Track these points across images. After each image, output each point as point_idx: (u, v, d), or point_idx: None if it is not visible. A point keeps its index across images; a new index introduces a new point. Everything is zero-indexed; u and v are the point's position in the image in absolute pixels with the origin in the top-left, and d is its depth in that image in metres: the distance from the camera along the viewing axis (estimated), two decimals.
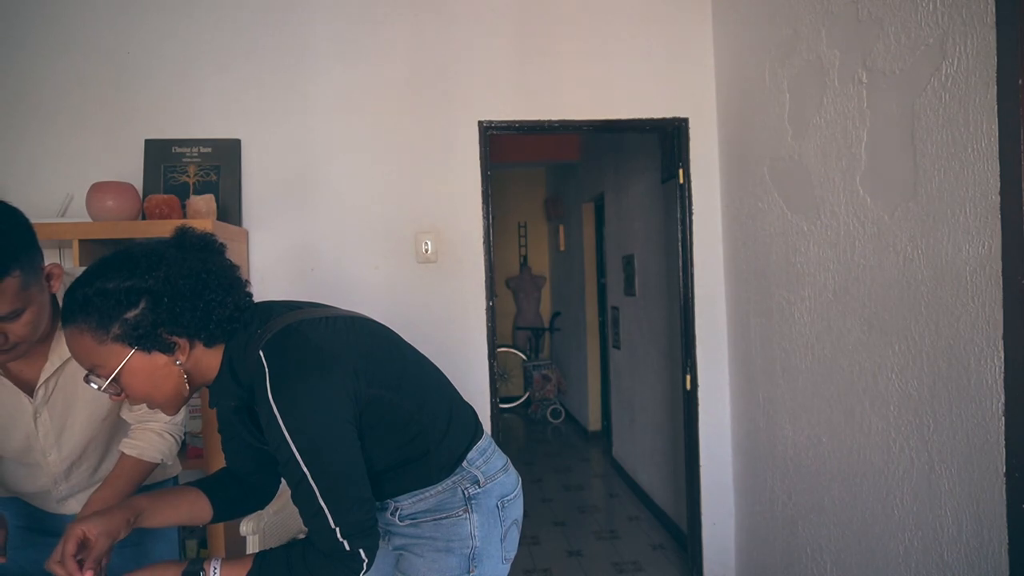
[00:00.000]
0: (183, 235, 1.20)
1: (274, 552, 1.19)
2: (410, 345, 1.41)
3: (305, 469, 1.13)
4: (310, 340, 1.19)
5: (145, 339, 1.12)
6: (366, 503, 1.19)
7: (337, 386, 1.16)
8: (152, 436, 1.56)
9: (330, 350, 1.19)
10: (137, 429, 1.57)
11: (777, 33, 2.59)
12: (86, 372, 1.16)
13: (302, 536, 1.24)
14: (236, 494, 1.39)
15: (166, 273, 1.12)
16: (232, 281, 1.20)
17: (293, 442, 1.12)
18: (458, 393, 1.45)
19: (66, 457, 1.55)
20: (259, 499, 1.43)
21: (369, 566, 1.19)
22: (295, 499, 1.18)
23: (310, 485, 1.14)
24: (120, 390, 1.16)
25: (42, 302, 1.31)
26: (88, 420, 1.53)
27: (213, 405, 1.28)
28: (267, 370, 1.14)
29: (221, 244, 1.24)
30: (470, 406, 1.47)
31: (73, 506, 1.62)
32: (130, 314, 1.10)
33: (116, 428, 1.61)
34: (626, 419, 4.97)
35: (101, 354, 1.12)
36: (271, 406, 1.12)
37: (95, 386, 1.15)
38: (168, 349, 1.14)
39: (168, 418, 1.57)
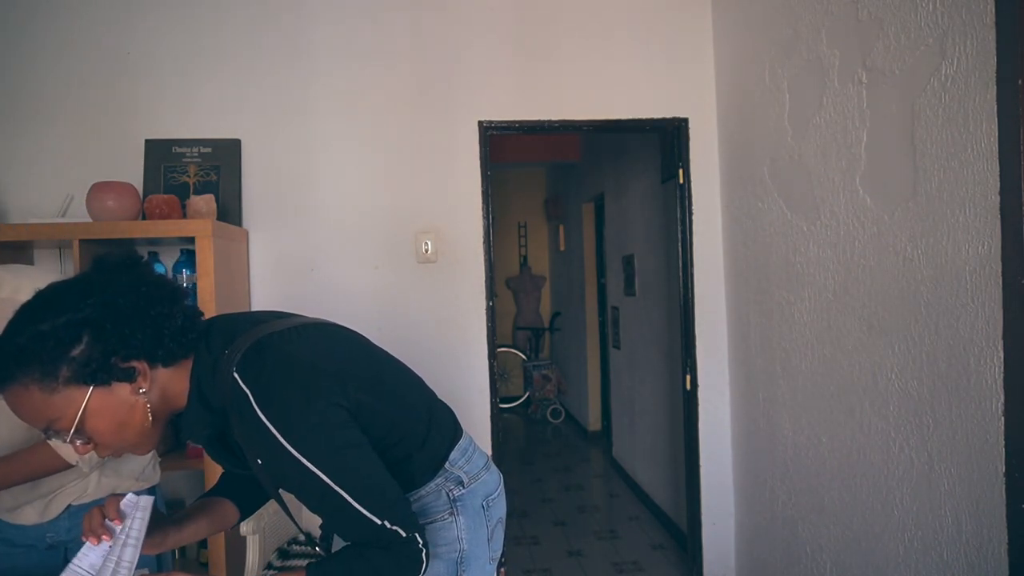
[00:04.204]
0: (101, 259, 1.11)
1: (328, 560, 1.12)
2: (382, 348, 1.38)
3: (327, 479, 1.06)
4: (287, 352, 1.13)
5: (100, 372, 1.01)
6: (399, 493, 1.14)
7: (327, 393, 1.11)
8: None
9: (310, 359, 1.14)
10: None
11: (777, 33, 2.59)
12: (43, 430, 1.03)
13: (302, 537, 1.20)
14: (250, 486, 1.36)
15: (100, 298, 1.01)
16: (173, 291, 1.11)
17: (304, 457, 1.05)
18: (434, 394, 1.42)
19: None
20: None
21: (428, 556, 1.13)
22: (327, 519, 1.09)
23: (338, 494, 1.06)
24: (88, 439, 1.05)
25: None
26: (12, 427, 1.42)
27: (186, 438, 1.18)
28: (249, 391, 1.07)
29: (147, 259, 1.16)
30: (447, 406, 1.44)
31: (29, 514, 1.53)
32: (76, 351, 0.99)
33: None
34: (626, 419, 4.97)
35: (55, 405, 1.00)
36: (267, 427, 1.05)
37: (60, 441, 1.04)
38: (128, 376, 1.04)
39: None
